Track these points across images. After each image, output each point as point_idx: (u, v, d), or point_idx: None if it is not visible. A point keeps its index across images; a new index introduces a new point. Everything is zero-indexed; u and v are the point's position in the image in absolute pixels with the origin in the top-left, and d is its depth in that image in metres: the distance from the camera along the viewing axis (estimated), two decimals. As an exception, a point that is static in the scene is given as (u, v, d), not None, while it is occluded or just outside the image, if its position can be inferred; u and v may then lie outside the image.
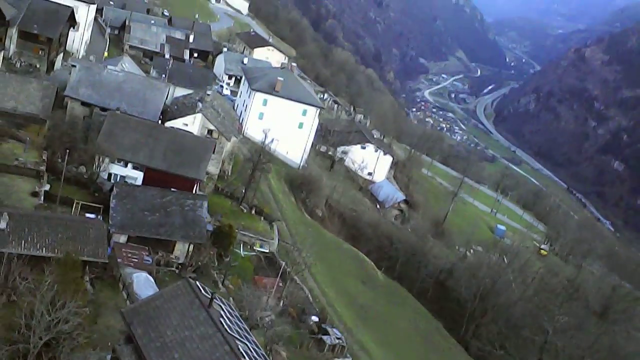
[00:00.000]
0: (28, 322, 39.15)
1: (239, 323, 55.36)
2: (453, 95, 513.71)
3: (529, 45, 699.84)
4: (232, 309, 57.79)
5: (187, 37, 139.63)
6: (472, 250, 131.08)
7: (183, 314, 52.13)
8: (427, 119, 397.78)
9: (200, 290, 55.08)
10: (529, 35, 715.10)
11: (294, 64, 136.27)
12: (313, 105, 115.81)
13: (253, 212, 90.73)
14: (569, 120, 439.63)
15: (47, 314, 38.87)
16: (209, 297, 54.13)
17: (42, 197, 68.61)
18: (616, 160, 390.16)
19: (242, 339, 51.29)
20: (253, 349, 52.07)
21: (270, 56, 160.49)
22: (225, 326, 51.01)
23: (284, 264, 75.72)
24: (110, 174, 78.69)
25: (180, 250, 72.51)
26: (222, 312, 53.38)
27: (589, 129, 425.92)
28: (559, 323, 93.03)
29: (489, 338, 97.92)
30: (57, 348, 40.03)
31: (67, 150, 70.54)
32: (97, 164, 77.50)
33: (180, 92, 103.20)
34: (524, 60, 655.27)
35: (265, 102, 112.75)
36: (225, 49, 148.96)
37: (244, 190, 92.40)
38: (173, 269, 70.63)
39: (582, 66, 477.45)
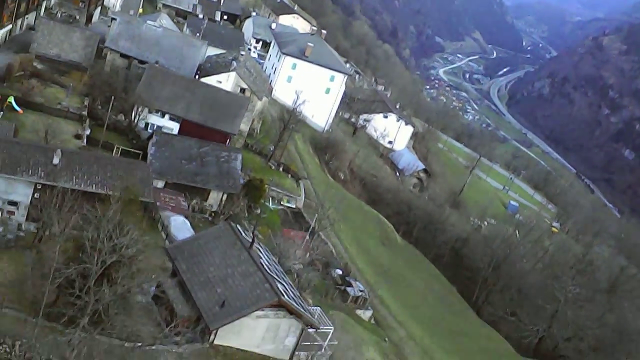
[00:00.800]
0: (94, 244, 41.93)
1: (276, 266, 58.50)
2: (467, 76, 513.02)
3: (547, 30, 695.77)
4: (268, 252, 60.94)
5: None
6: (486, 223, 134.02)
7: (225, 253, 55.18)
8: (440, 97, 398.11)
9: (241, 233, 58.21)
10: (547, 21, 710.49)
11: (323, 31, 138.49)
12: (341, 72, 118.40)
13: (281, 169, 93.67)
14: (582, 106, 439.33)
15: (115, 237, 41.67)
16: (249, 239, 57.26)
17: (85, 140, 71.58)
18: (627, 148, 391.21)
19: (279, 280, 54.34)
20: (290, 289, 55.19)
21: (295, 23, 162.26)
22: (265, 267, 54.09)
23: (315, 217, 78.54)
24: (147, 123, 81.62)
25: (214, 198, 75.58)
26: (260, 254, 56.46)
27: (601, 117, 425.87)
28: (571, 294, 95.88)
29: (501, 305, 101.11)
30: (118, 271, 42.77)
31: (112, 97, 73.27)
32: (135, 113, 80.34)
33: (212, 51, 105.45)
34: (540, 45, 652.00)
35: (294, 66, 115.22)
36: (254, 14, 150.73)
37: (272, 148, 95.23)
38: (206, 216, 73.76)
39: (599, 54, 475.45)
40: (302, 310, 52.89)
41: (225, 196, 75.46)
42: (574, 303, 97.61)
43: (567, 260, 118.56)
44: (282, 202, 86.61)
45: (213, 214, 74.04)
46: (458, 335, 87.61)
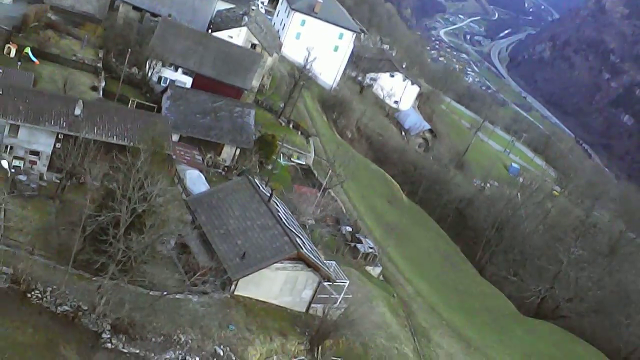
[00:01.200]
0: (124, 193, 42.61)
1: (293, 220, 59.52)
2: (468, 37, 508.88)
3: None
4: (285, 207, 61.90)
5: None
6: (489, 184, 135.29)
7: (244, 206, 56.12)
8: (440, 58, 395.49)
9: (259, 187, 59.07)
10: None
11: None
12: (350, 30, 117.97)
13: (291, 126, 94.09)
14: (582, 70, 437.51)
15: (147, 185, 42.36)
16: (267, 193, 58.16)
17: (101, 92, 71.81)
18: (626, 114, 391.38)
19: (297, 234, 55.40)
20: (307, 243, 56.30)
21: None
22: (283, 220, 55.09)
23: (328, 174, 79.36)
24: (160, 77, 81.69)
25: (227, 153, 76.25)
26: (278, 208, 57.42)
27: (602, 81, 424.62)
28: (574, 255, 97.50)
29: (504, 265, 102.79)
30: (147, 220, 43.53)
31: (129, 50, 73.22)
32: (149, 66, 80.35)
33: (221, 5, 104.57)
34: (542, 7, 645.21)
35: (303, 23, 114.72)
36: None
37: (282, 105, 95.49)
38: (219, 170, 74.50)
39: (601, 18, 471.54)
40: (320, 263, 54.14)
41: (238, 151, 76.12)
42: (576, 265, 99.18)
43: (569, 223, 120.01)
44: (292, 159, 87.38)
45: (226, 169, 74.80)
46: (462, 294, 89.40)
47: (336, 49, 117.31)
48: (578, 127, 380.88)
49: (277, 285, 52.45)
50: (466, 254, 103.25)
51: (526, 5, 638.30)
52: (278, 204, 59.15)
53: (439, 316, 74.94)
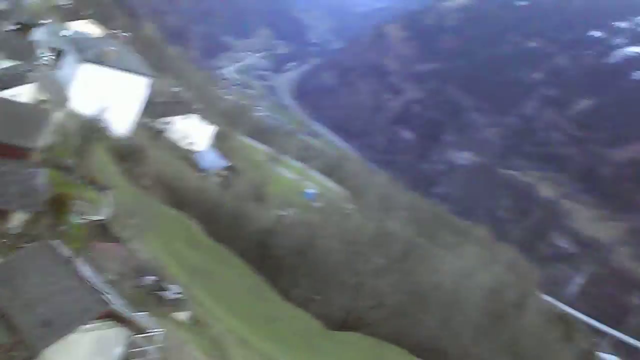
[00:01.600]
0: None
1: (97, 277, 59.86)
2: (255, 73, 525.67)
3: (334, 22, 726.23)
4: (87, 265, 61.97)
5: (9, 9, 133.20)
6: (289, 212, 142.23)
7: (45, 271, 55.48)
8: (229, 96, 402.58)
9: (58, 249, 58.76)
10: (334, 13, 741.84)
11: (124, 34, 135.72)
12: (143, 75, 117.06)
13: (84, 182, 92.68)
14: (366, 94, 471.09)
15: None
16: (67, 255, 58.09)
17: None
18: (406, 129, 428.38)
19: (104, 291, 55.92)
20: (115, 298, 56.93)
21: (89, 28, 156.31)
22: (88, 279, 55.41)
23: (123, 227, 79.64)
24: (-64, 147, 77.26)
25: (17, 219, 73.58)
26: (81, 269, 57.62)
27: (382, 102, 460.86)
28: (372, 265, 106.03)
29: (308, 286, 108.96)
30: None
31: None
32: None
33: (4, 64, 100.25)
34: (327, 38, 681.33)
35: (92, 73, 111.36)
36: (46, 21, 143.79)
37: (73, 161, 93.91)
38: (9, 238, 71.40)
39: (383, 42, 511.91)
40: (130, 317, 54.93)
41: (28, 215, 73.95)
42: (374, 273, 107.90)
43: (365, 236, 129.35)
44: (87, 216, 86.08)
45: (16, 236, 71.87)
46: (271, 322, 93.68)
47: (129, 96, 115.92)
48: (364, 147, 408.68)
49: (86, 348, 51.91)
50: (271, 283, 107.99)
51: (311, 37, 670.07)
52: (80, 263, 59.19)
53: (251, 349, 78.25)
